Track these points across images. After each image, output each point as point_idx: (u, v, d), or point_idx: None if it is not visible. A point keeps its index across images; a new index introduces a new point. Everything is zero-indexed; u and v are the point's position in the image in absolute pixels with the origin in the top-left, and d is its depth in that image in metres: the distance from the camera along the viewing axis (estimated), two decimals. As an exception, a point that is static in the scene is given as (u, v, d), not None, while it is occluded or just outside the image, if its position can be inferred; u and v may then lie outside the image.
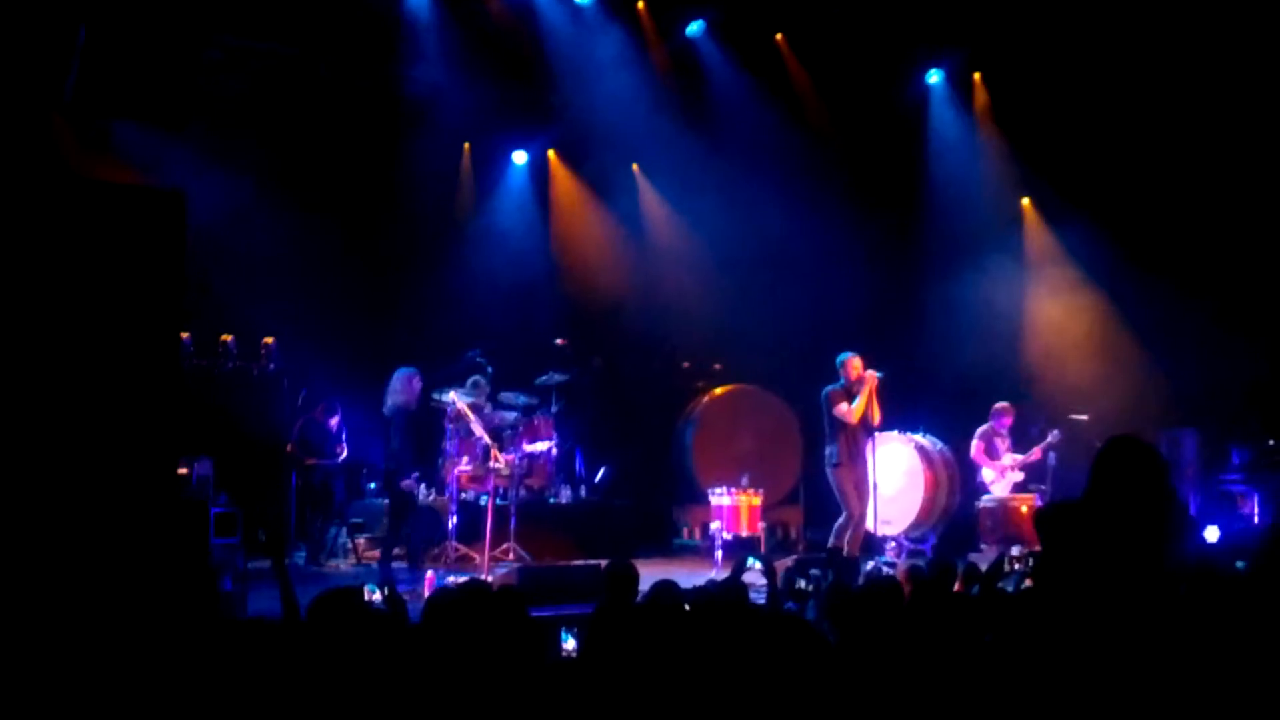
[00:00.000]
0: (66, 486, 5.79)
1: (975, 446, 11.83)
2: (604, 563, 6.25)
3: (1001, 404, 11.97)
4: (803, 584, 7.75)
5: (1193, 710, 3.86)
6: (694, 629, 4.95)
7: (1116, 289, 13.28)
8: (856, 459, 10.32)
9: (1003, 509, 11.35)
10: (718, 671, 4.27)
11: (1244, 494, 11.81)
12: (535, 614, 5.47)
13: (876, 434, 10.51)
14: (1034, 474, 11.89)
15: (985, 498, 11.58)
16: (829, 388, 10.42)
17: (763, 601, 6.38)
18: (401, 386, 10.42)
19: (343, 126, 12.54)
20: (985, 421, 11.96)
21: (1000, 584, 6.50)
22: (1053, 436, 11.76)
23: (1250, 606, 4.01)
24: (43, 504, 5.71)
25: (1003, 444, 11.88)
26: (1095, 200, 13.00)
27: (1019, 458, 11.80)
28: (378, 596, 6.04)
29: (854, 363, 10.39)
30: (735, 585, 6.00)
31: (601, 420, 13.67)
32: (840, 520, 10.28)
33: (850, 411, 10.23)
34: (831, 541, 10.20)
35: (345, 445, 11.64)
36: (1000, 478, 11.71)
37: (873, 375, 10.33)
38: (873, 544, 10.89)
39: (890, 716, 4.09)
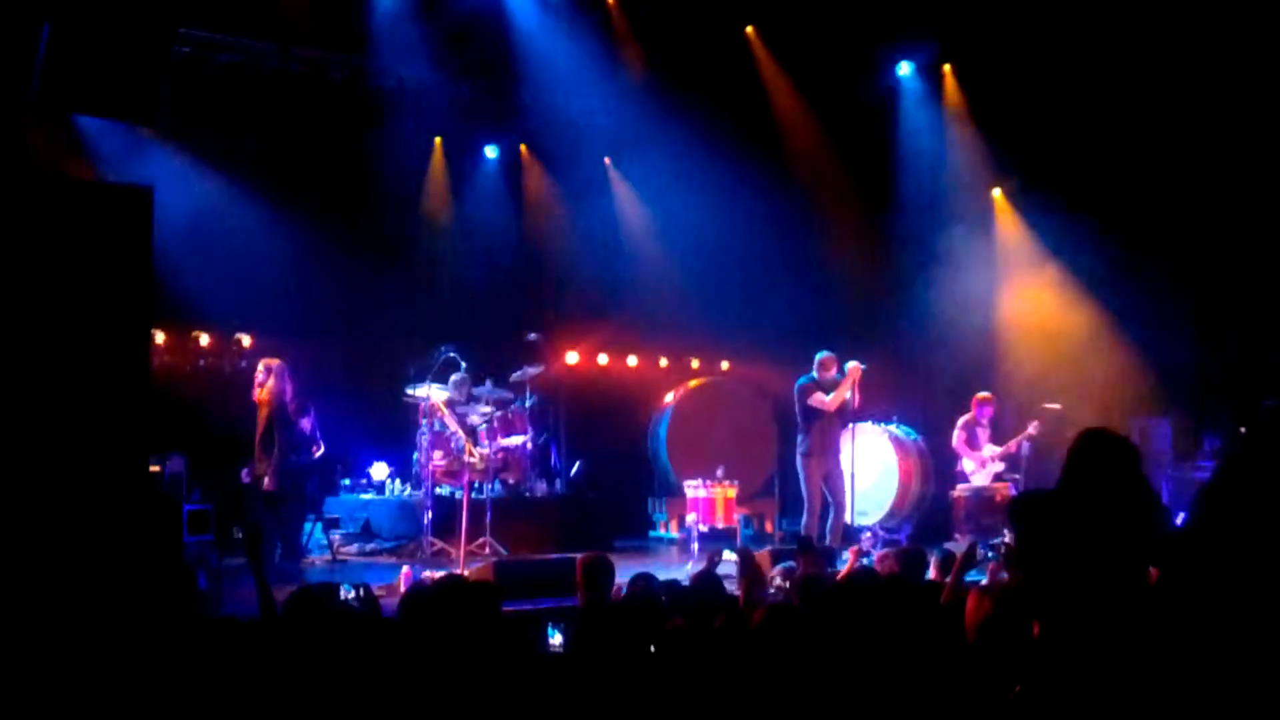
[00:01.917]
0: (36, 484, 5.74)
1: (957, 436, 11.74)
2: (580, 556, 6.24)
3: (983, 394, 11.85)
4: (778, 576, 7.75)
5: (1172, 699, 3.90)
6: (674, 621, 4.95)
7: (1089, 278, 13.32)
8: (828, 450, 10.40)
9: (977, 498, 11.36)
10: (699, 663, 4.28)
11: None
12: (512, 608, 5.48)
13: (852, 424, 10.58)
14: (1009, 464, 11.91)
15: (960, 486, 11.56)
16: (802, 379, 10.50)
17: (738, 593, 6.40)
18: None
19: (313, 121, 12.46)
20: (965, 412, 11.86)
21: (972, 573, 6.54)
22: (1032, 428, 11.68)
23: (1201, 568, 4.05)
24: (11, 502, 5.67)
25: (984, 434, 11.76)
26: (1067, 190, 13.03)
27: (998, 449, 11.77)
28: (353, 594, 6.06)
29: (828, 363, 10.45)
30: (711, 577, 6.02)
31: (577, 414, 13.65)
32: (805, 518, 10.31)
33: (828, 402, 10.31)
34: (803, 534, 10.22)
35: (321, 443, 11.57)
36: (980, 468, 11.66)
37: (857, 366, 10.42)
38: (849, 534, 10.92)
39: (868, 706, 4.11)
